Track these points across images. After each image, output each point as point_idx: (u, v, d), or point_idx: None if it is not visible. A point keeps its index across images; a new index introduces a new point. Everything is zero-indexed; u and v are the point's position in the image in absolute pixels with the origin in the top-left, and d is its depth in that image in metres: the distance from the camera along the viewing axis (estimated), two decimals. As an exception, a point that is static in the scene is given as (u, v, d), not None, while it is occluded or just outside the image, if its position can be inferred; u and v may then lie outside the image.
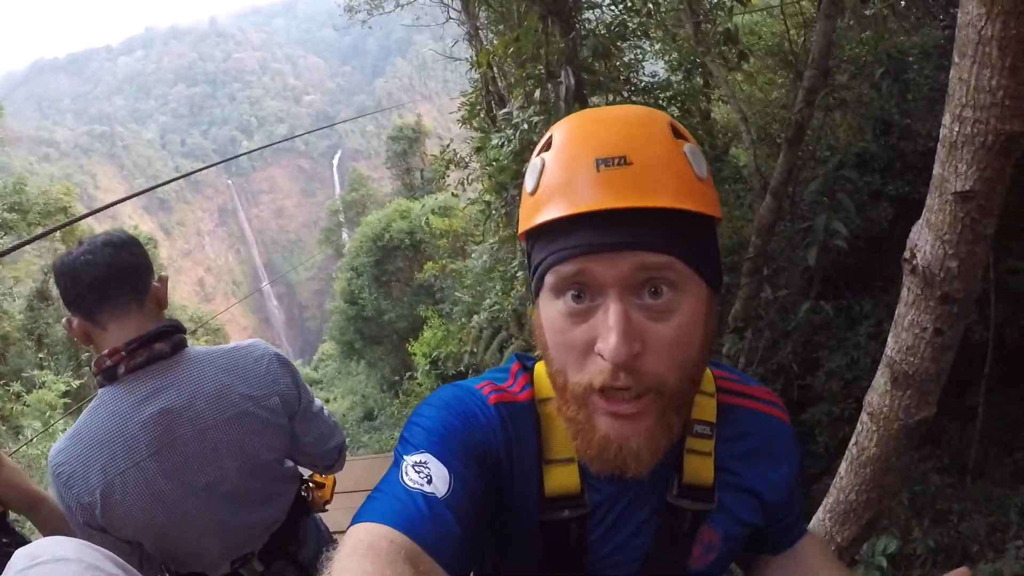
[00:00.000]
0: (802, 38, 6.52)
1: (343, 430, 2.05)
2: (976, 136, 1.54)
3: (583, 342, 0.81)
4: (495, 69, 9.05)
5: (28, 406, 12.16)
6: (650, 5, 6.96)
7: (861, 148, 6.29)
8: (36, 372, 13.61)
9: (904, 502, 4.92)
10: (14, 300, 16.63)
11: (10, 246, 3.18)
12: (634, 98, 6.98)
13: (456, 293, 13.95)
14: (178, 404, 1.60)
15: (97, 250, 1.59)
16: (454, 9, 12.07)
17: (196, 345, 1.77)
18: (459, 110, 11.31)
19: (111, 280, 1.59)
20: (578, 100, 5.35)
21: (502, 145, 6.14)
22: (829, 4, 4.78)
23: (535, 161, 0.86)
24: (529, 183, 0.86)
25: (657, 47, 8.47)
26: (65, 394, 12.80)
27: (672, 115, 1.35)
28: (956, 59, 1.55)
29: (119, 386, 1.59)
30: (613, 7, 6.84)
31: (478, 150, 7.59)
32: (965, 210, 1.64)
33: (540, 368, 1.02)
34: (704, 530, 1.00)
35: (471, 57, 10.69)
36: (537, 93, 5.61)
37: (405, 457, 0.86)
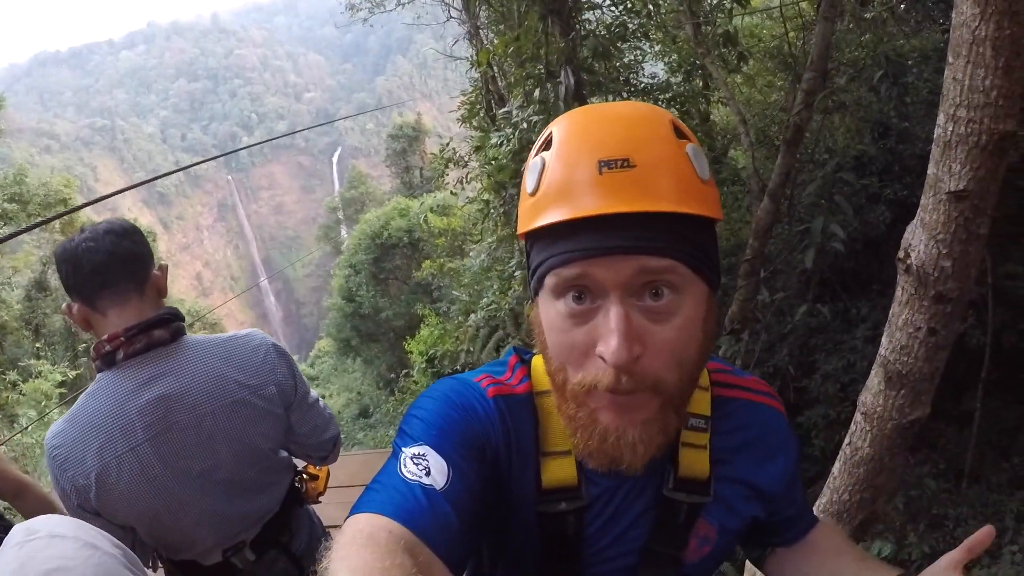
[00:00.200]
0: (801, 40, 6.54)
1: (339, 425, 2.06)
2: (970, 136, 1.55)
3: (584, 343, 0.81)
4: (495, 68, 9.06)
5: (24, 395, 12.20)
6: (650, 6, 6.97)
7: (859, 151, 6.29)
8: (33, 361, 13.68)
9: (899, 507, 4.92)
10: (12, 290, 16.72)
11: (8, 234, 3.18)
12: (633, 99, 6.98)
13: (453, 292, 13.93)
14: (176, 391, 1.60)
15: (99, 237, 1.60)
16: (455, 8, 12.07)
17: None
18: (459, 109, 11.31)
19: (112, 267, 1.59)
20: (577, 100, 5.35)
21: (501, 144, 6.14)
22: (828, 7, 4.79)
23: (535, 160, 0.85)
24: (529, 183, 0.85)
25: (657, 48, 8.48)
26: (61, 384, 12.85)
27: (671, 115, 1.34)
28: (950, 59, 1.56)
29: (117, 371, 1.60)
30: (613, 8, 6.86)
31: (477, 149, 7.58)
32: (959, 209, 1.65)
33: (537, 361, 1.02)
34: (700, 523, 1.00)
35: (471, 56, 10.68)
36: (537, 93, 5.61)
37: (404, 449, 0.86)
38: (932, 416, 2.03)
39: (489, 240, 9.19)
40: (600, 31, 6.23)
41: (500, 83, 9.58)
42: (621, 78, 7.14)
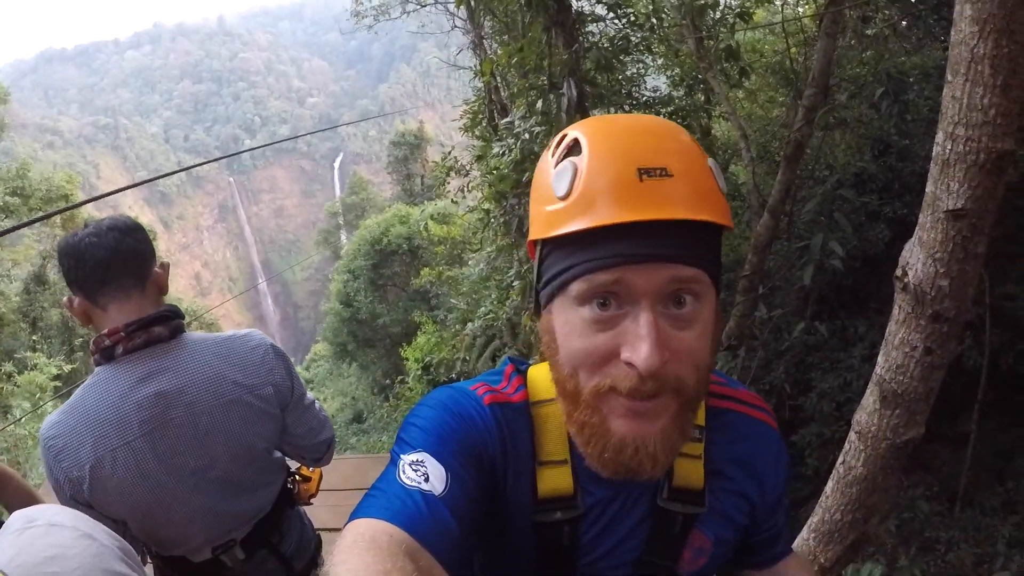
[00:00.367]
0: (803, 56, 6.56)
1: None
2: (968, 154, 1.56)
3: (605, 349, 0.81)
4: (498, 78, 9.07)
5: (18, 387, 12.19)
6: (653, 20, 7.01)
7: (859, 168, 6.31)
8: (29, 354, 13.65)
9: (891, 529, 4.90)
10: (11, 282, 16.78)
11: (9, 227, 3.20)
12: (635, 112, 7.00)
13: (451, 300, 13.93)
14: (173, 387, 1.61)
15: (102, 233, 1.61)
16: (459, 18, 12.09)
17: (192, 334, 1.78)
18: (461, 118, 11.32)
19: (114, 263, 1.60)
20: (580, 112, 5.36)
21: (503, 154, 6.14)
22: (831, 23, 4.82)
23: (564, 164, 0.83)
24: (559, 187, 0.82)
25: (659, 62, 8.50)
26: (56, 377, 12.83)
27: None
28: (949, 77, 1.57)
29: (116, 366, 1.61)
30: (617, 21, 6.87)
31: (479, 158, 7.59)
32: (957, 228, 1.65)
33: (534, 371, 1.03)
34: (695, 534, 1.00)
35: (475, 66, 10.71)
36: (539, 104, 5.62)
37: (402, 456, 0.86)
38: (927, 437, 2.03)
39: (488, 249, 9.19)
40: (603, 44, 6.24)
41: (503, 93, 9.60)
42: (623, 91, 7.15)
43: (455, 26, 12.61)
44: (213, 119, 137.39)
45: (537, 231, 0.88)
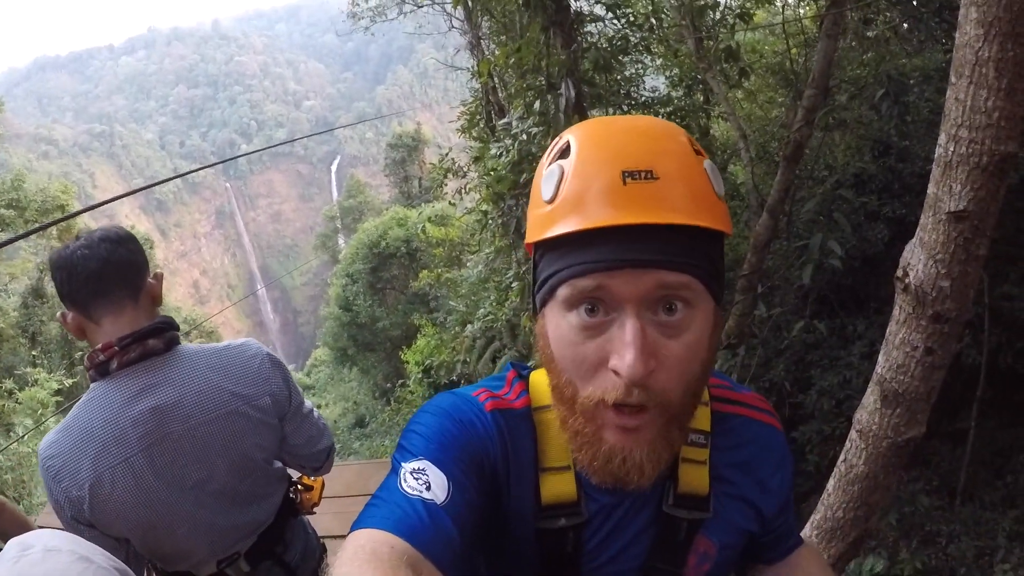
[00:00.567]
0: (803, 57, 6.56)
1: (334, 435, 2.05)
2: (971, 156, 1.56)
3: (595, 356, 0.80)
4: (496, 79, 9.08)
5: (20, 403, 12.04)
6: (652, 20, 7.01)
7: (859, 168, 6.31)
8: (29, 370, 13.51)
9: (892, 523, 4.91)
10: (9, 297, 16.66)
11: (4, 240, 3.18)
12: (634, 112, 7.00)
13: (450, 302, 13.93)
14: (170, 401, 1.59)
15: (94, 245, 1.58)
16: (456, 18, 12.12)
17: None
18: (459, 119, 11.36)
19: (107, 275, 1.58)
20: (578, 112, 5.35)
21: (500, 155, 6.14)
22: (831, 24, 4.82)
23: (551, 168, 0.83)
24: (546, 191, 0.82)
25: (658, 62, 8.51)
26: (57, 392, 12.69)
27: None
28: (953, 79, 1.57)
29: (111, 381, 1.58)
30: (615, 21, 6.88)
31: (476, 160, 7.58)
32: (958, 230, 1.65)
33: (536, 376, 1.02)
34: (700, 539, 0.99)
35: (472, 67, 10.74)
36: (537, 104, 5.61)
37: (403, 464, 0.85)
38: (926, 434, 2.03)
39: (487, 251, 9.20)
40: (602, 44, 6.24)
41: (500, 94, 9.62)
42: (622, 91, 7.17)
43: (452, 27, 12.65)
44: (209, 124, 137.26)
45: (529, 234, 0.88)
